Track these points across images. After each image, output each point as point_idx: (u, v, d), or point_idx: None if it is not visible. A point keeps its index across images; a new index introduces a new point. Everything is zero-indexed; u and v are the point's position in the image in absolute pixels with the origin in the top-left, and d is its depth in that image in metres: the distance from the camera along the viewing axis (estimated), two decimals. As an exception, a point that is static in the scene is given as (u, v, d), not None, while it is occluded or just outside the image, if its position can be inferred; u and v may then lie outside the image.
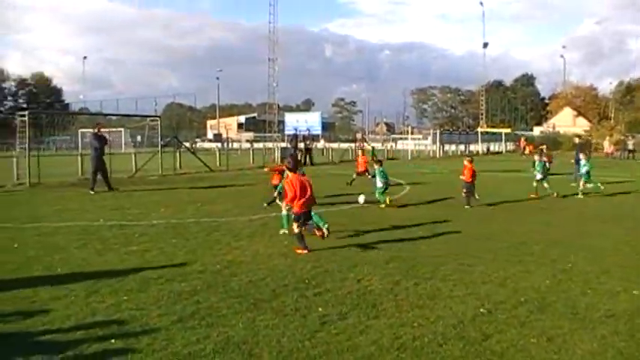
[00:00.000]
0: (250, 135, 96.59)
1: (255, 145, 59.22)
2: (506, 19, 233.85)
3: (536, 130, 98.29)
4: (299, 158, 37.53)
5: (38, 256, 9.77)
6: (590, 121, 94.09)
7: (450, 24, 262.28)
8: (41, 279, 8.20)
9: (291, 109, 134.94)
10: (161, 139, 31.88)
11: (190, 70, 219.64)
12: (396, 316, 6.61)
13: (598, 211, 16.04)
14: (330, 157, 46.98)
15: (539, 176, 19.51)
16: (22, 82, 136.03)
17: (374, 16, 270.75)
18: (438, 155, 56.82)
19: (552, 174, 21.61)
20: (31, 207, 16.55)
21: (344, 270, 8.78)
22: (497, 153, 69.56)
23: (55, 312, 6.70)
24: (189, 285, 7.88)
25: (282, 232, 11.73)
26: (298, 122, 79.03)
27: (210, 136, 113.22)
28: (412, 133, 75.07)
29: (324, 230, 10.73)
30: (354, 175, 22.98)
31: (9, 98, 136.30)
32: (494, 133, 78.80)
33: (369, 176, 20.43)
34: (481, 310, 6.84)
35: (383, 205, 16.34)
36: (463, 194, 16.66)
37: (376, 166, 17.63)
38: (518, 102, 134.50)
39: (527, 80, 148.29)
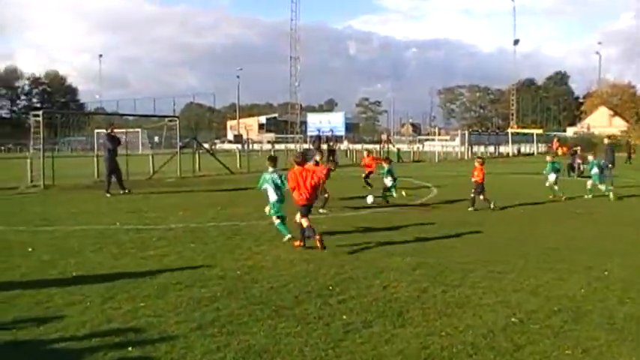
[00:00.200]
0: (271, 136, 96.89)
1: (277, 146, 59.30)
2: (537, 13, 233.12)
3: (570, 131, 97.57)
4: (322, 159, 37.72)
5: (53, 261, 9.85)
6: (627, 121, 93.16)
7: (476, 19, 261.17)
8: (56, 284, 8.25)
9: (313, 110, 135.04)
10: (180, 140, 32.05)
11: (209, 68, 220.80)
12: (423, 325, 6.57)
13: (632, 215, 15.85)
14: (354, 159, 46.94)
15: (552, 177, 19.66)
16: (35, 81, 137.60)
17: (399, 12, 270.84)
18: (466, 157, 56.53)
19: (586, 176, 21.46)
20: (46, 210, 16.72)
21: (369, 276, 8.76)
22: (529, 155, 69.09)
23: (70, 318, 6.73)
24: (209, 291, 7.90)
25: (285, 239, 11.36)
26: (321, 123, 79.05)
27: (230, 137, 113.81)
28: (439, 134, 74.90)
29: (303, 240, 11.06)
30: (364, 177, 22.59)
31: (22, 97, 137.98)
32: (525, 134, 78.37)
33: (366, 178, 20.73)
34: (512, 319, 6.77)
35: (396, 195, 18.01)
36: (471, 195, 17.01)
37: (385, 164, 18.15)
38: (551, 101, 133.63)
39: (561, 78, 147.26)
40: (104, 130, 24.53)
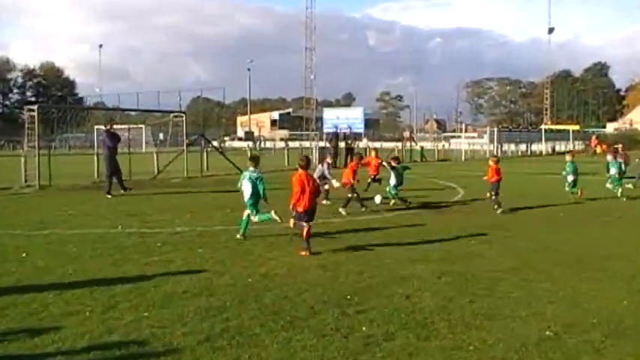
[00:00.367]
0: (285, 133, 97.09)
1: (291, 144, 59.42)
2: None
3: (610, 127, 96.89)
4: (336, 158, 37.74)
5: (48, 267, 9.88)
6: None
7: (506, 6, 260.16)
8: (52, 292, 8.25)
9: (330, 105, 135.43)
10: (186, 138, 32.11)
11: (217, 60, 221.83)
12: (449, 338, 6.54)
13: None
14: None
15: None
16: (29, 73, 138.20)
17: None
18: (495, 156, 56.24)
19: (629, 177, 21.33)
20: (41, 212, 16.78)
21: (390, 285, 8.74)
22: (564, 153, 68.37)
23: (67, 329, 6.73)
24: (218, 300, 7.91)
25: (238, 235, 12.51)
26: (338, 119, 79.24)
27: (240, 134, 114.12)
28: (466, 131, 74.67)
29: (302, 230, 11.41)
30: (369, 180, 21.93)
31: (15, 91, 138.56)
32: (560, 131, 77.88)
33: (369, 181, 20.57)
34: (547, 332, 6.72)
35: (392, 202, 17.76)
36: (488, 197, 17.19)
37: (393, 163, 18.28)
38: (589, 95, 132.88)
39: (600, 69, 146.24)
40: (104, 127, 24.62)
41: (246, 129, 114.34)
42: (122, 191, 21.03)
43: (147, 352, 6.08)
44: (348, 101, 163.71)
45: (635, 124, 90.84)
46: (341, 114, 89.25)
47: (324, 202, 17.56)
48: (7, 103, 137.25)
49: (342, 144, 39.84)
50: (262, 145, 62.77)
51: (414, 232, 13.20)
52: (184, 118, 32.55)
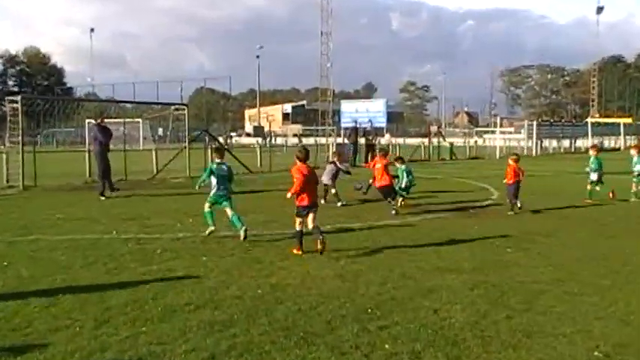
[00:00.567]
0: (298, 128, 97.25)
1: (305, 140, 59.43)
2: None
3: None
4: (356, 156, 37.75)
5: (34, 277, 9.90)
6: None
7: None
8: (37, 305, 8.27)
9: (348, 96, 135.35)
10: (188, 133, 32.18)
11: (223, 47, 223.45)
12: (483, 358, 6.53)
13: None
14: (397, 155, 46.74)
15: (594, 176, 19.81)
16: (11, 60, 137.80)
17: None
18: (534, 153, 56.16)
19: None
20: (25, 215, 16.90)
21: (416, 297, 8.73)
22: (614, 150, 67.97)
23: (55, 347, 6.74)
24: (224, 314, 7.92)
25: (207, 232, 13.38)
26: (358, 112, 79.07)
27: (249, 129, 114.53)
28: (501, 126, 74.43)
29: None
30: (370, 181, 21.51)
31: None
32: (609, 125, 77.26)
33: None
34: (595, 353, 6.68)
35: (399, 203, 18.07)
36: (509, 202, 17.30)
37: (398, 164, 18.38)
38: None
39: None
40: (94, 120, 24.70)
41: (255, 123, 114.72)
42: (110, 192, 21.05)
43: (144, 372, 6.09)
44: (368, 92, 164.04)
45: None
46: (360, 107, 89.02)
47: (339, 204, 18.58)
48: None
49: (362, 140, 39.80)
50: (273, 141, 62.72)
51: (443, 239, 13.15)
52: (186, 112, 32.69)
